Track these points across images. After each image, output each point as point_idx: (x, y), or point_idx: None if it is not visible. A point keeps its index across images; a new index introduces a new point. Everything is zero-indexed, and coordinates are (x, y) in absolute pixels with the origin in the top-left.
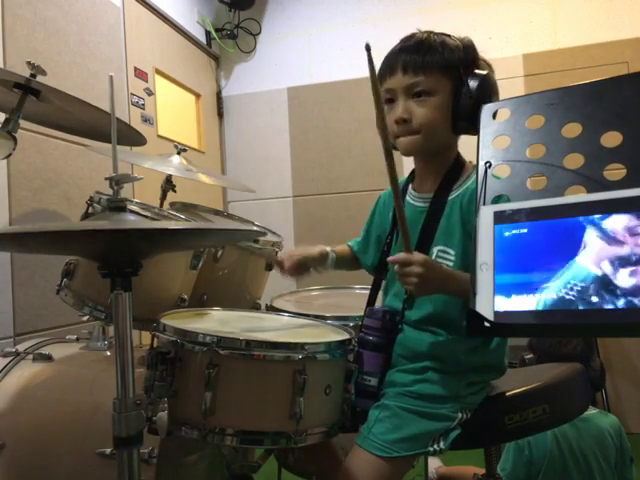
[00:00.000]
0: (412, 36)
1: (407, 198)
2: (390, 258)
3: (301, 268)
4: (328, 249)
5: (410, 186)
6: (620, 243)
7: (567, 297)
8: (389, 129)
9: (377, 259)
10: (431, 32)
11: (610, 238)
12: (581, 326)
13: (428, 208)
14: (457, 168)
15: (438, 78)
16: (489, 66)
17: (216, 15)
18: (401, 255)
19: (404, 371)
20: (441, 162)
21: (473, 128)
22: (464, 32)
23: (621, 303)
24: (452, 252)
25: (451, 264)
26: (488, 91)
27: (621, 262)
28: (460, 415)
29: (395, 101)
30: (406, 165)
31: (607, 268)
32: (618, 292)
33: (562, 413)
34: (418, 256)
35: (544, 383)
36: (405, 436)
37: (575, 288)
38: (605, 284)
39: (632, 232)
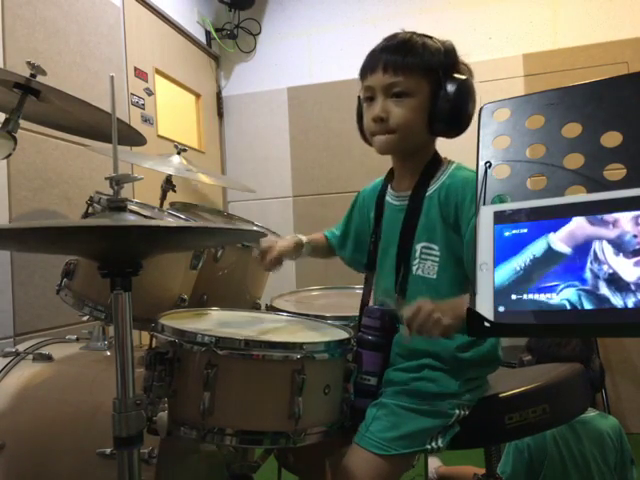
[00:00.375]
0: (395, 36)
1: (387, 197)
2: (405, 333)
3: (278, 262)
4: (304, 240)
5: (389, 185)
6: (620, 238)
7: (568, 296)
8: (366, 126)
9: (356, 254)
10: (414, 33)
11: (610, 235)
12: (583, 326)
13: (407, 206)
14: (434, 165)
15: (417, 80)
16: (469, 70)
17: (216, 15)
18: (408, 313)
19: (401, 370)
20: (418, 160)
21: (449, 131)
22: (464, 32)
23: (626, 301)
24: (436, 247)
25: (436, 259)
26: (465, 96)
27: (626, 255)
28: (457, 412)
29: (374, 99)
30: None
31: (613, 264)
32: (622, 289)
33: (562, 413)
34: (427, 306)
35: (544, 383)
36: (403, 434)
37: (575, 287)
38: (608, 282)
39: (632, 229)
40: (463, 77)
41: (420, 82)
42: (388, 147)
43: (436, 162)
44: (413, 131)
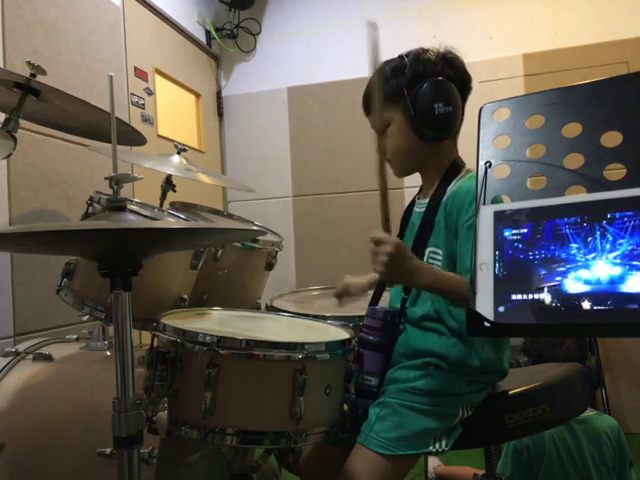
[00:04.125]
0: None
1: (414, 207)
2: (371, 236)
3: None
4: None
5: (417, 197)
6: (619, 241)
7: (567, 296)
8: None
9: None
10: (387, 61)
11: (609, 236)
12: (582, 326)
13: (423, 212)
14: (452, 173)
15: (388, 109)
16: (448, 64)
17: (216, 15)
18: (378, 233)
19: (406, 367)
20: (435, 169)
21: (439, 132)
22: (464, 32)
23: (626, 301)
24: (440, 252)
25: (440, 263)
26: (429, 97)
27: (626, 256)
28: (461, 413)
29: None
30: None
31: (613, 264)
32: (622, 289)
33: (562, 412)
34: (393, 238)
35: (544, 383)
36: (407, 434)
37: (575, 287)
38: (608, 282)
39: (632, 229)
40: (424, 82)
41: (391, 109)
42: (396, 173)
43: (454, 170)
44: (406, 152)
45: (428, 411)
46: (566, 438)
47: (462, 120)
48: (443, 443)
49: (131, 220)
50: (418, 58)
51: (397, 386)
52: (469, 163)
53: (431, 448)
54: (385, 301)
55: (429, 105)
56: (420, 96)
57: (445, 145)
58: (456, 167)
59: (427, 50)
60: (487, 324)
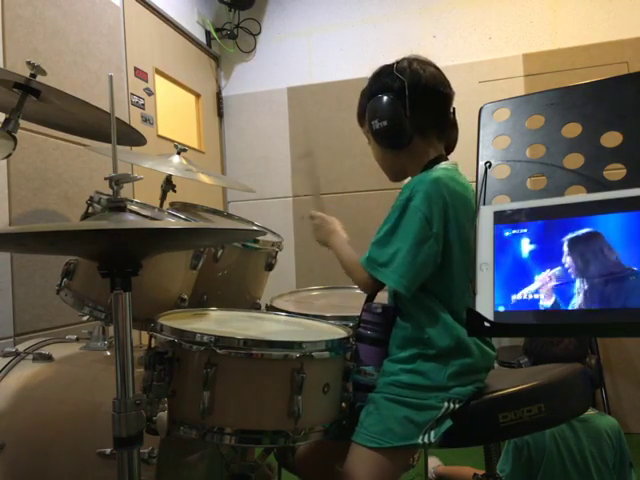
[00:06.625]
0: None
1: None
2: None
3: None
4: None
5: None
6: (619, 241)
7: (566, 296)
8: None
9: None
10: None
11: (609, 237)
12: (582, 326)
13: None
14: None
15: (363, 124)
16: (404, 75)
17: (216, 15)
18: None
19: (393, 361)
20: (414, 171)
21: (396, 143)
22: (464, 32)
23: (625, 301)
24: None
25: None
26: (372, 116)
27: (625, 256)
28: (446, 405)
29: None
30: None
31: (612, 264)
32: (621, 289)
33: (559, 413)
34: (321, 214)
35: (540, 382)
36: (393, 426)
37: (575, 287)
38: (607, 282)
39: (629, 230)
40: (371, 102)
41: (364, 124)
42: (389, 179)
43: (430, 168)
44: (382, 161)
45: (412, 403)
46: (567, 437)
47: (432, 122)
48: (432, 434)
49: (131, 220)
50: (375, 76)
51: (384, 379)
52: (469, 163)
53: (419, 440)
54: (378, 299)
55: (370, 122)
56: (368, 114)
57: (415, 147)
58: (433, 165)
59: (389, 66)
60: (487, 324)
